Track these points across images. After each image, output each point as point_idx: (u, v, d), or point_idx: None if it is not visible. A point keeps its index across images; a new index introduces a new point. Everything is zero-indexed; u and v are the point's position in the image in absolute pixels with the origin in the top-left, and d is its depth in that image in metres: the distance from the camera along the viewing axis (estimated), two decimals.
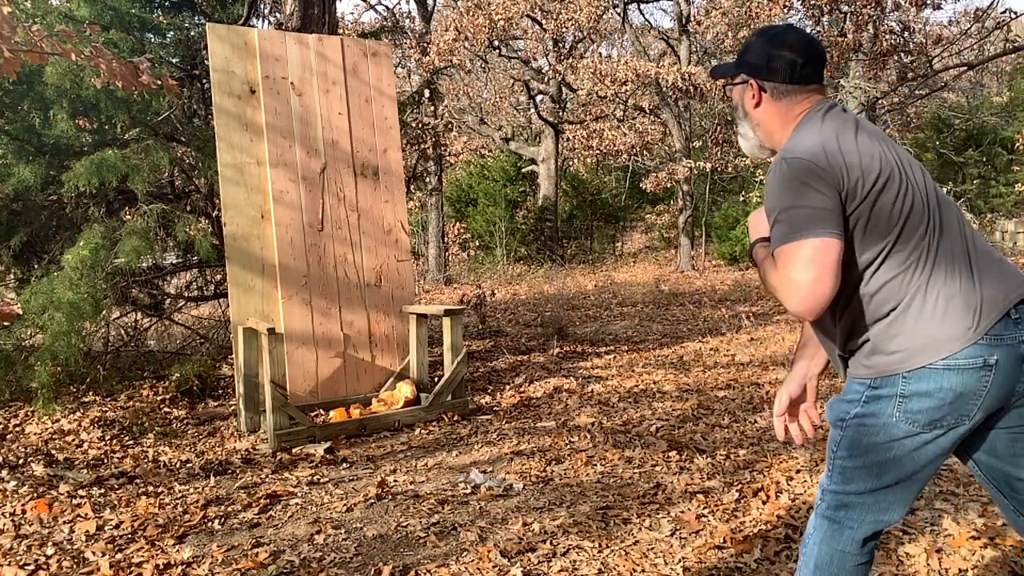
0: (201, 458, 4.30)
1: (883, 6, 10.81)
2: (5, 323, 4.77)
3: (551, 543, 2.89)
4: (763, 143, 1.83)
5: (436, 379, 5.42)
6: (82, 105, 5.70)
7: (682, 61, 16.72)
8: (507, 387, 5.79)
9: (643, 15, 24.29)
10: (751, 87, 1.78)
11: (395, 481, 3.73)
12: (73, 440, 4.62)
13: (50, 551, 3.01)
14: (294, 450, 4.37)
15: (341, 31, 11.13)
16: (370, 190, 5.50)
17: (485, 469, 3.84)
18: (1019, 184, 14.44)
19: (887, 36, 11.51)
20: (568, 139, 18.82)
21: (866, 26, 11.00)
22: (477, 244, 20.09)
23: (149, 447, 4.51)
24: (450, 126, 15.63)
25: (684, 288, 12.84)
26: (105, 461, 4.27)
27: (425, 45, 16.31)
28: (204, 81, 6.55)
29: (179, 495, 3.65)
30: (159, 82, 3.96)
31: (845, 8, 10.96)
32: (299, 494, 3.61)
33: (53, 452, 4.38)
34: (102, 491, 3.72)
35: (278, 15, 7.00)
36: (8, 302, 4.12)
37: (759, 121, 1.80)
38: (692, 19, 16.88)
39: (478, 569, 2.70)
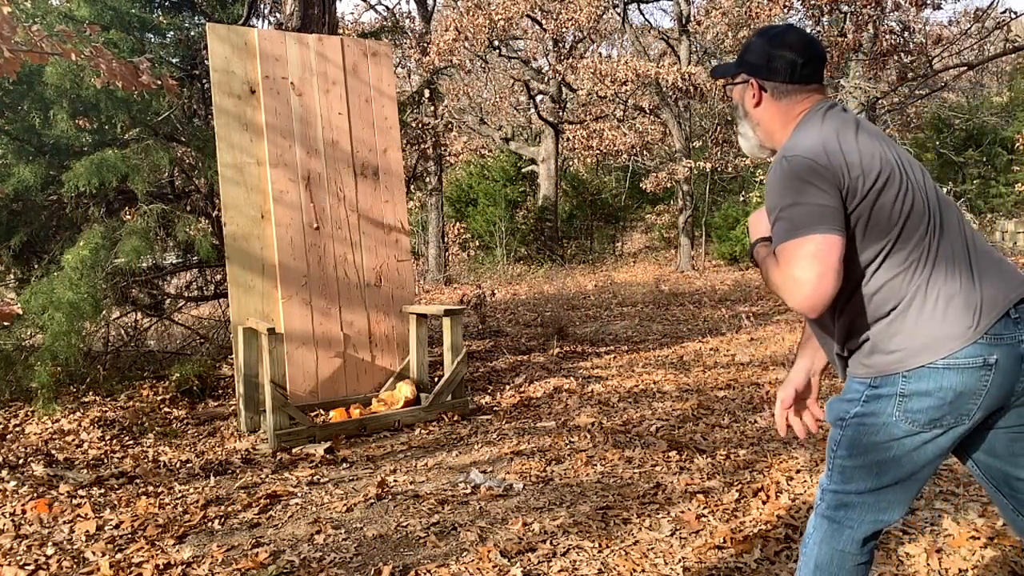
0: (201, 458, 4.30)
1: (883, 6, 10.80)
2: (5, 323, 4.77)
3: (551, 543, 2.89)
4: (763, 143, 1.84)
5: (436, 379, 5.42)
6: (82, 105, 5.70)
7: (682, 61, 16.72)
8: (507, 387, 5.79)
9: (643, 15, 24.31)
10: (751, 87, 1.79)
11: (395, 481, 3.73)
12: (73, 440, 4.62)
13: (50, 551, 3.01)
14: (294, 450, 4.37)
15: (341, 31, 11.13)
16: (370, 190, 5.50)
17: (485, 469, 3.84)
18: (1019, 184, 14.44)
19: (887, 36, 11.51)
20: (568, 139, 18.82)
21: (866, 26, 11.00)
22: (477, 244, 20.09)
23: (149, 447, 4.51)
24: (450, 126, 15.63)
25: (684, 288, 12.84)
26: (105, 461, 4.27)
27: (425, 45, 16.31)
28: (204, 81, 6.55)
29: (179, 495, 3.65)
30: (159, 82, 3.96)
31: (845, 8, 10.96)
32: (299, 494, 3.61)
33: (53, 452, 4.38)
34: (102, 491, 3.72)
35: (278, 15, 7.01)
36: (8, 302, 4.12)
37: (759, 121, 1.80)
38: (692, 19, 16.88)
39: (478, 569, 2.70)
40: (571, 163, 23.91)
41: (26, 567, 2.86)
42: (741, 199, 17.44)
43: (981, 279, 1.60)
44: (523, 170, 21.28)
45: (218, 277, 7.05)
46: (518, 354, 7.25)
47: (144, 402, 5.38)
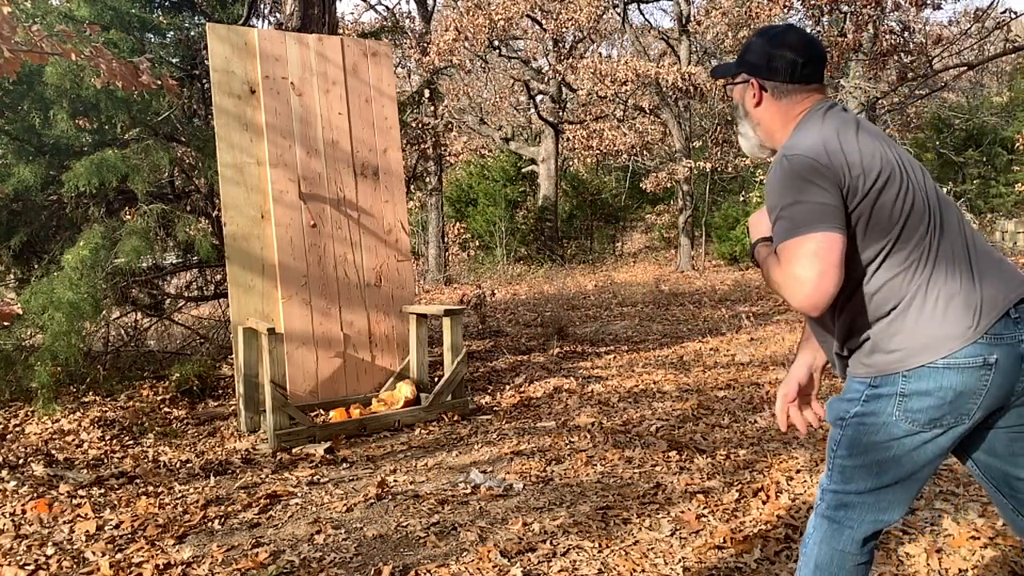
0: (201, 458, 4.30)
1: (883, 6, 10.81)
2: (5, 323, 4.77)
3: (551, 543, 2.89)
4: (763, 142, 1.84)
5: (436, 379, 5.42)
6: (82, 105, 5.70)
7: (682, 61, 16.72)
8: (507, 387, 5.79)
9: (643, 15, 24.31)
10: (752, 86, 1.79)
11: (395, 481, 3.73)
12: (73, 440, 4.62)
13: (50, 551, 3.01)
14: (294, 450, 4.37)
15: (341, 31, 11.13)
16: (370, 190, 5.50)
17: (485, 469, 3.84)
18: (1019, 184, 14.43)
19: (887, 36, 11.51)
20: (568, 139, 18.82)
21: (866, 26, 11.00)
22: (477, 244, 20.09)
23: (149, 447, 4.51)
24: (450, 126, 15.63)
25: (684, 288, 12.84)
26: (105, 461, 4.27)
27: (425, 45, 16.31)
28: (204, 81, 6.55)
29: (179, 495, 3.65)
30: (159, 82, 3.97)
31: (845, 8, 10.96)
32: (299, 494, 3.61)
33: (53, 452, 4.38)
34: (102, 491, 3.72)
35: (278, 15, 7.01)
36: (8, 302, 4.12)
37: (760, 120, 1.81)
38: (692, 19, 16.88)
39: (478, 569, 2.70)
40: (571, 163, 23.91)
41: (26, 567, 2.86)
42: (741, 199, 17.44)
43: (981, 279, 1.61)
44: (523, 170, 21.28)
45: (218, 277, 7.05)
46: (518, 354, 7.25)
47: (144, 402, 5.38)
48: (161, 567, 2.82)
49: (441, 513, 3.26)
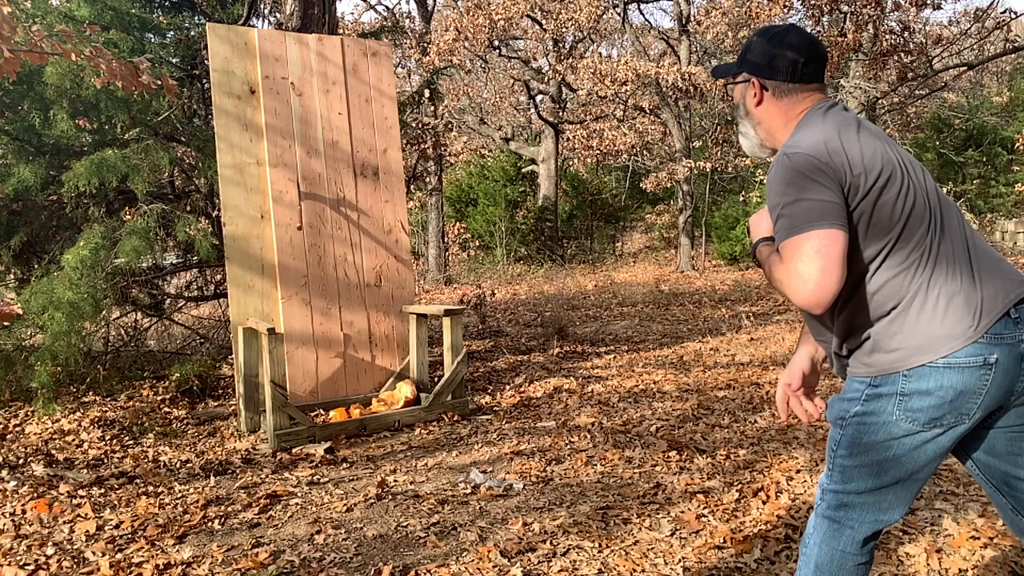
0: (201, 458, 4.30)
1: (883, 6, 10.80)
2: (5, 323, 4.77)
3: (551, 543, 2.89)
4: (764, 142, 1.84)
5: (436, 379, 5.41)
6: (82, 105, 5.70)
7: (682, 61, 16.72)
8: (507, 387, 5.79)
9: (643, 15, 24.28)
10: (753, 85, 1.79)
11: (395, 481, 3.73)
12: (73, 440, 4.62)
13: (50, 551, 3.01)
14: (294, 450, 4.37)
15: (341, 31, 11.13)
16: (370, 190, 5.50)
17: (485, 469, 3.84)
18: (1019, 184, 14.43)
19: (887, 36, 11.50)
20: (568, 139, 18.82)
21: (866, 26, 11.00)
22: (477, 244, 20.09)
23: (149, 447, 4.51)
24: (450, 126, 15.62)
25: (684, 288, 12.84)
26: (105, 461, 4.27)
27: (425, 45, 16.31)
28: (204, 81, 6.55)
29: (179, 495, 3.65)
30: (159, 82, 3.97)
31: (845, 8, 10.95)
32: (299, 494, 3.61)
33: (53, 452, 4.38)
34: (102, 491, 3.72)
35: (278, 15, 7.00)
36: (8, 302, 4.12)
37: (760, 120, 1.81)
38: (692, 19, 16.88)
39: (478, 569, 2.70)
40: (571, 163, 23.91)
41: (26, 567, 2.86)
42: (741, 199, 17.44)
43: (981, 279, 1.61)
44: (523, 170, 21.28)
45: (218, 277, 7.05)
46: (518, 354, 7.25)
47: (144, 402, 5.38)
48: (161, 567, 2.82)
49: (441, 513, 3.26)
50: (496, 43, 17.53)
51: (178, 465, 4.17)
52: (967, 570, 2.54)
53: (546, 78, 19.03)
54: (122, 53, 5.83)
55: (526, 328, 8.96)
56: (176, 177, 6.55)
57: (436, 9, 19.06)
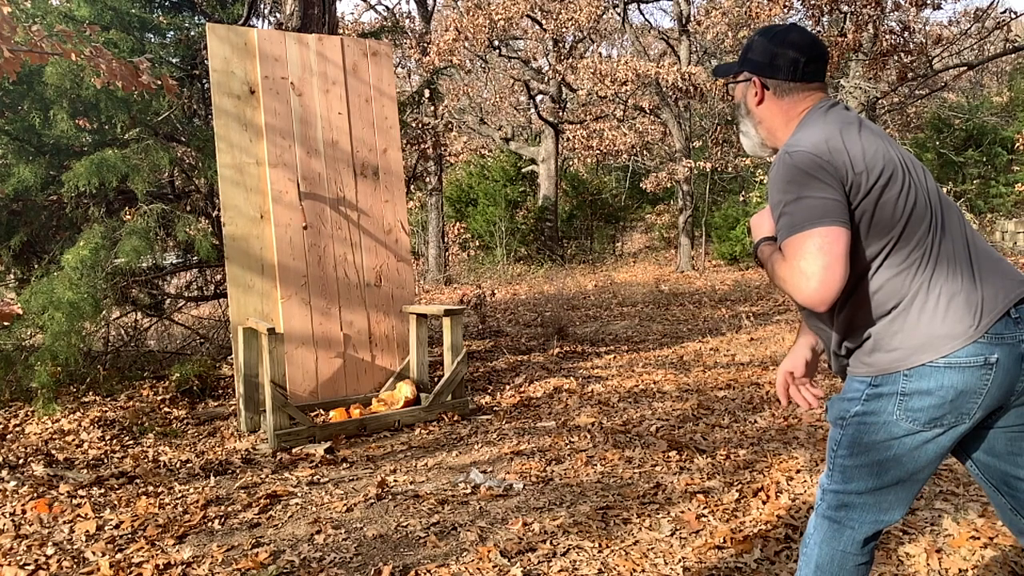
0: (201, 458, 4.30)
1: (883, 6, 10.79)
2: (5, 323, 4.77)
3: (551, 543, 2.89)
4: (765, 141, 1.84)
5: (436, 379, 5.41)
6: (82, 105, 5.70)
7: (682, 61, 16.72)
8: (507, 387, 5.79)
9: (643, 15, 24.28)
10: (754, 84, 1.79)
11: (395, 481, 3.73)
12: (73, 440, 4.62)
13: (50, 551, 3.01)
14: (294, 450, 4.37)
15: (341, 31, 11.12)
16: (370, 190, 5.50)
17: (485, 469, 3.84)
18: (1019, 184, 14.43)
19: (887, 36, 11.50)
20: (568, 139, 18.82)
21: (866, 26, 10.99)
22: (477, 244, 20.09)
23: (149, 447, 4.51)
24: (450, 126, 15.62)
25: (684, 288, 12.84)
26: (105, 461, 4.27)
27: (425, 45, 16.31)
28: (204, 81, 6.55)
29: (179, 495, 3.65)
30: (159, 82, 3.97)
31: (845, 8, 10.95)
32: (299, 494, 3.61)
33: (53, 452, 4.38)
34: (102, 491, 3.72)
35: (278, 15, 7.00)
36: (8, 302, 4.12)
37: (761, 119, 1.81)
38: (692, 19, 16.88)
39: (478, 569, 2.70)
40: (571, 163, 23.91)
41: (26, 567, 2.86)
42: (741, 199, 17.43)
43: (982, 279, 1.61)
44: (523, 170, 21.28)
45: (218, 277, 7.04)
46: (518, 354, 7.25)
47: (144, 402, 5.38)
48: (161, 567, 2.82)
49: (441, 513, 3.26)
50: (496, 43, 17.53)
51: (178, 465, 4.17)
52: (967, 570, 2.54)
53: (546, 78, 19.03)
54: (122, 53, 5.83)
55: (526, 328, 8.95)
56: (176, 177, 6.55)
57: (436, 9, 19.06)
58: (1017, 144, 12.75)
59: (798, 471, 3.53)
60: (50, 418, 4.96)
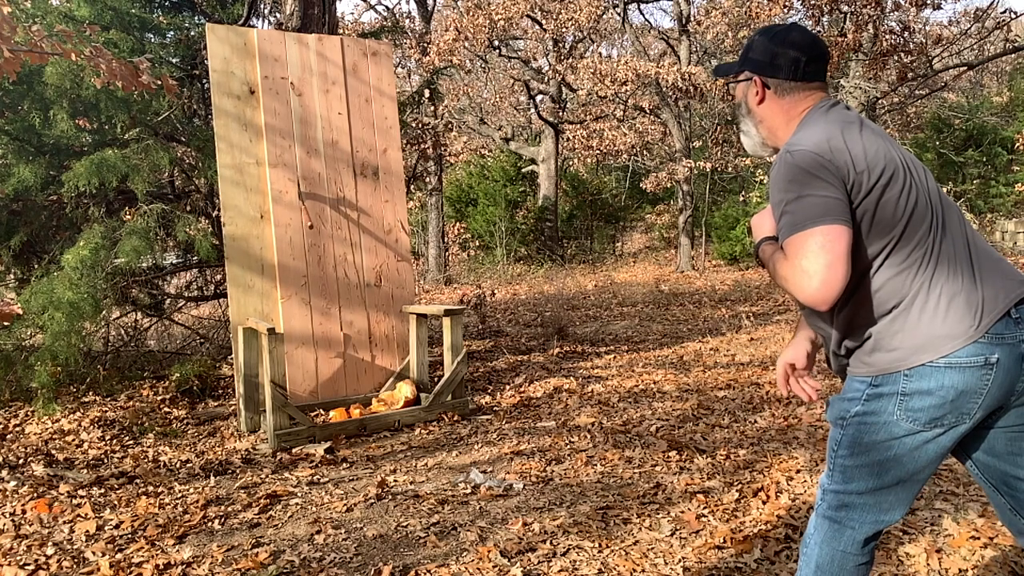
0: (201, 458, 4.30)
1: (883, 6, 10.79)
2: (5, 323, 4.77)
3: (551, 543, 2.89)
4: (766, 140, 1.84)
5: (436, 379, 5.41)
6: (82, 105, 5.70)
7: (682, 61, 16.72)
8: (507, 387, 5.79)
9: (643, 15, 24.28)
10: (754, 84, 1.79)
11: (395, 481, 3.73)
12: (73, 440, 4.62)
13: (50, 551, 3.01)
14: (294, 450, 4.37)
15: (341, 31, 11.12)
16: (370, 190, 5.50)
17: (485, 469, 3.84)
18: (1019, 184, 14.43)
19: (887, 36, 11.50)
20: (568, 139, 18.82)
21: (866, 26, 10.99)
22: (477, 244, 20.09)
23: (149, 447, 4.51)
24: (450, 126, 15.62)
25: (684, 288, 12.84)
26: (105, 461, 4.27)
27: (425, 45, 16.31)
28: (204, 81, 6.55)
29: (179, 495, 3.65)
30: (159, 82, 3.97)
31: (845, 8, 10.95)
32: (299, 494, 3.61)
33: (53, 452, 4.38)
34: (102, 491, 3.72)
35: (278, 15, 7.00)
36: (8, 302, 4.12)
37: (762, 118, 1.81)
38: (692, 19, 16.88)
39: (478, 569, 2.70)
40: (571, 163, 23.91)
41: (26, 567, 2.86)
42: (741, 199, 17.43)
43: (982, 279, 1.61)
44: (523, 170, 21.28)
45: (218, 277, 7.04)
46: (518, 354, 7.25)
47: (144, 402, 5.38)
48: (161, 567, 2.82)
49: (441, 513, 3.26)
50: (496, 43, 17.53)
51: (178, 465, 4.17)
52: (967, 570, 2.54)
53: (546, 78, 19.03)
54: (122, 53, 5.83)
55: (526, 328, 8.95)
56: (176, 177, 6.55)
57: (436, 9, 19.06)
58: (1017, 144, 12.75)
59: (798, 471, 3.53)
60: (50, 418, 4.96)
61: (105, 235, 5.30)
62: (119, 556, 2.94)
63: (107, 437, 4.65)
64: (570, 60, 16.71)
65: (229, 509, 3.43)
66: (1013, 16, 10.08)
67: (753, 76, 1.79)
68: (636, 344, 7.64)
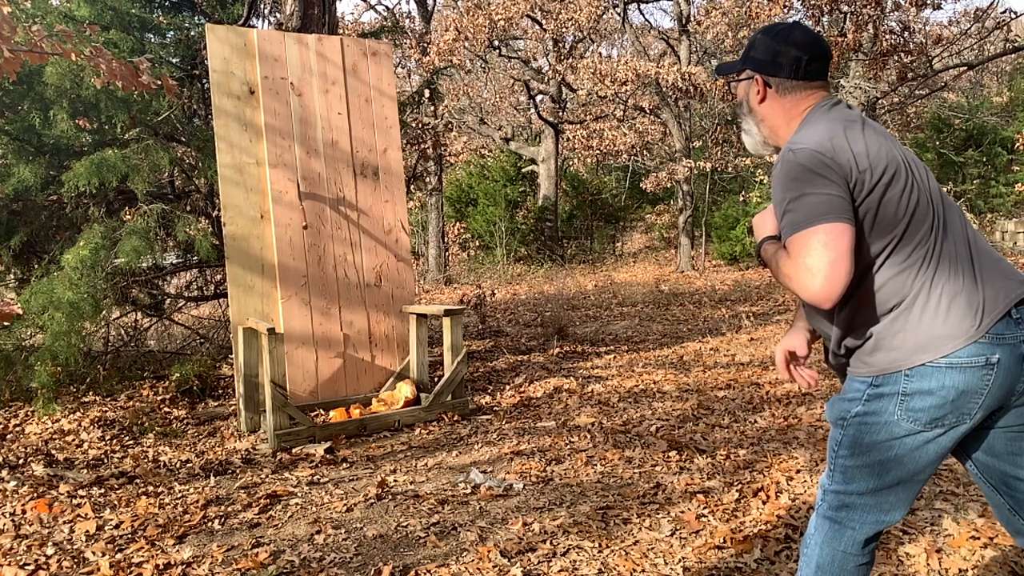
0: (201, 458, 4.30)
1: (883, 6, 10.79)
2: (5, 323, 4.77)
3: (551, 543, 2.88)
4: (767, 139, 1.84)
5: (436, 379, 5.41)
6: (82, 105, 5.70)
7: (682, 61, 16.72)
8: (507, 387, 5.79)
9: (643, 15, 24.29)
10: (756, 82, 1.79)
11: (395, 481, 3.73)
12: (73, 440, 4.62)
13: (50, 551, 3.01)
14: (294, 450, 4.37)
15: (341, 31, 11.12)
16: (370, 190, 5.49)
17: (485, 469, 3.84)
18: (1019, 184, 14.43)
19: (887, 36, 11.50)
20: (568, 139, 18.82)
21: (866, 26, 10.99)
22: (477, 244, 20.09)
23: (149, 447, 4.51)
24: (450, 126, 15.62)
25: (684, 288, 12.84)
26: (105, 461, 4.27)
27: (425, 45, 16.31)
28: (204, 81, 6.55)
29: (179, 495, 3.65)
30: (159, 82, 3.97)
31: (845, 8, 10.95)
32: (299, 494, 3.61)
33: (53, 452, 4.37)
34: (102, 491, 3.72)
35: (278, 15, 7.00)
36: (8, 302, 4.11)
37: (764, 117, 1.80)
38: (692, 19, 16.88)
39: (478, 569, 2.70)
40: (571, 163, 23.91)
41: (26, 567, 2.86)
42: (741, 199, 17.43)
43: (983, 279, 1.61)
44: (523, 170, 21.28)
45: (218, 277, 7.04)
46: (518, 354, 7.25)
47: (144, 402, 5.38)
48: (161, 567, 2.82)
49: (441, 513, 3.26)
50: (496, 43, 17.53)
51: (178, 465, 4.17)
52: (967, 570, 2.54)
53: (546, 78, 19.03)
54: (122, 53, 5.83)
55: (526, 328, 8.95)
56: (176, 177, 6.54)
57: (436, 9, 19.06)
58: (1017, 144, 12.76)
59: (798, 471, 3.53)
60: (50, 418, 4.96)
61: (105, 235, 5.30)
62: (119, 556, 2.94)
63: (107, 437, 4.65)
64: (570, 60, 16.71)
65: (229, 509, 3.43)
66: (1013, 16, 10.08)
67: (755, 75, 1.79)
68: (636, 344, 7.64)
